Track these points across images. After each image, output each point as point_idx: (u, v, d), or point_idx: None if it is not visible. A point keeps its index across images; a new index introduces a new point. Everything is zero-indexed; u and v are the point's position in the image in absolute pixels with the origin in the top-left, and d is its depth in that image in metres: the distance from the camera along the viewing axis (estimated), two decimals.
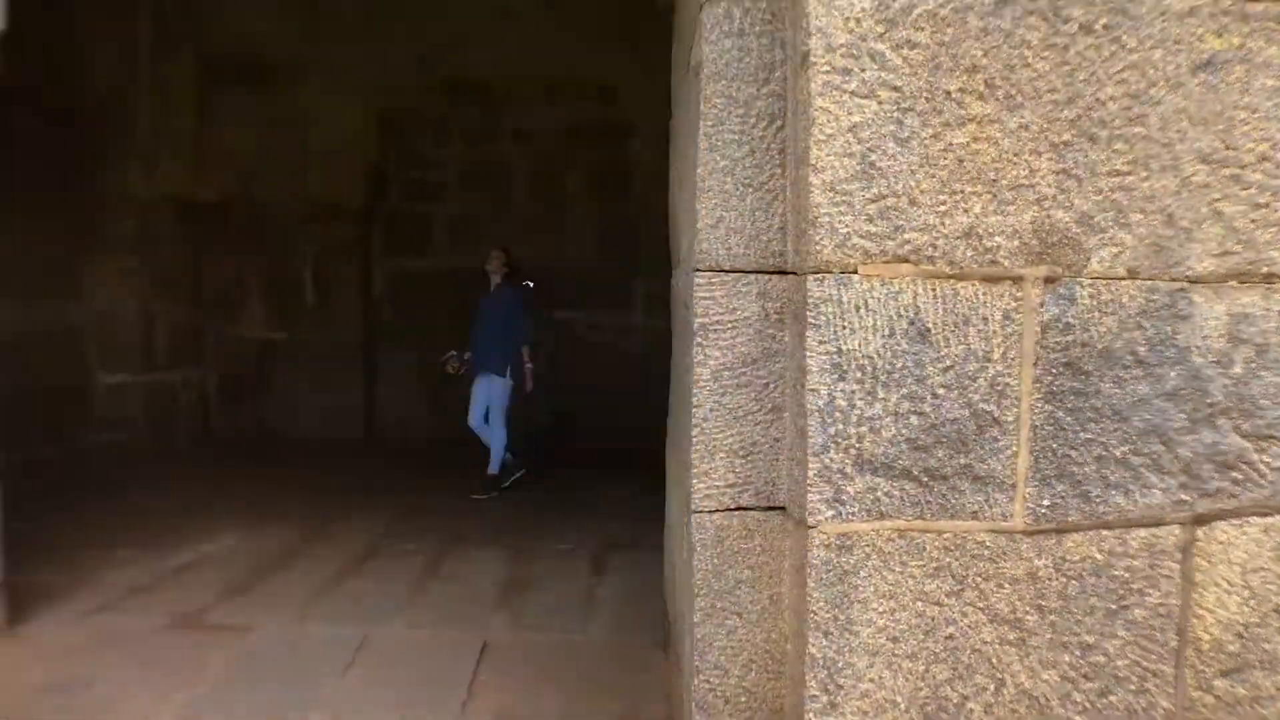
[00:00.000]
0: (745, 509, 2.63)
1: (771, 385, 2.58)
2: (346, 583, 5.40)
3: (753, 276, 2.58)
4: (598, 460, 9.46)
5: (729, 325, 2.61)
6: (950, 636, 2.37)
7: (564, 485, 8.35)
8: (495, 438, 7.92)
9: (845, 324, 2.30)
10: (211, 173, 10.00)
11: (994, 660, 2.38)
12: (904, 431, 2.32)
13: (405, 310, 10.65)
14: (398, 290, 10.67)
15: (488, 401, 7.92)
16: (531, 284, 10.32)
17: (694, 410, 2.65)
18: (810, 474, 2.31)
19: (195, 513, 6.97)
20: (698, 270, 2.63)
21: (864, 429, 2.32)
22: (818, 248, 2.29)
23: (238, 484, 8.12)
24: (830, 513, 2.32)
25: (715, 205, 2.61)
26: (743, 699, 2.64)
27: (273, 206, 10.27)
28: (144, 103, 9.11)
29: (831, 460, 2.31)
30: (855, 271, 2.30)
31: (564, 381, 10.56)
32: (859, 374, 2.31)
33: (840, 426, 2.31)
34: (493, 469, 7.91)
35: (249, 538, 6.34)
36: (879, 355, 2.31)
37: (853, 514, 2.32)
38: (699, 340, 2.63)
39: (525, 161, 10.71)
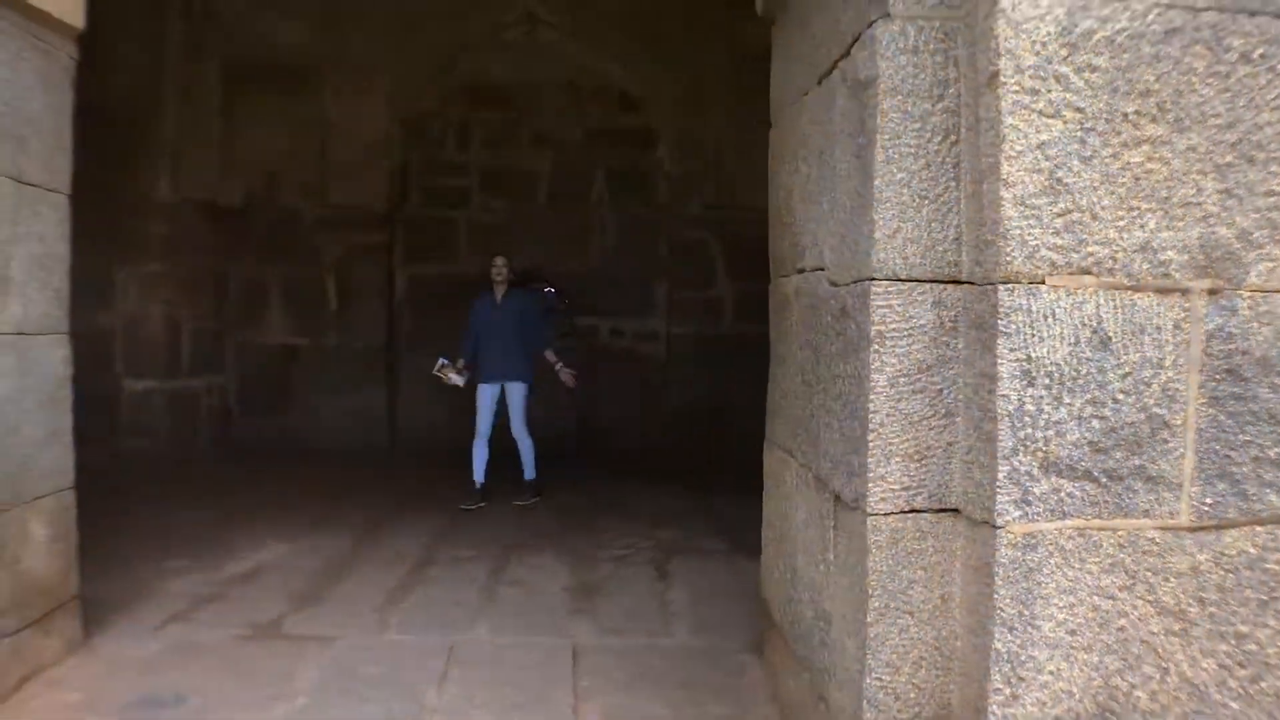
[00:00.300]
0: (919, 511, 2.70)
1: (945, 391, 2.65)
2: (415, 590, 5.42)
3: (928, 286, 2.65)
4: (622, 465, 9.53)
5: (905, 333, 2.67)
6: (1122, 629, 2.46)
7: (599, 491, 8.37)
8: (525, 444, 7.84)
9: (1034, 332, 2.38)
10: (235, 177, 9.99)
11: (1160, 650, 2.47)
12: (1086, 435, 2.41)
13: (426, 316, 10.66)
14: (419, 296, 10.68)
15: (496, 410, 7.78)
16: (553, 289, 10.40)
17: (870, 416, 2.70)
18: (1000, 476, 2.39)
19: (236, 521, 6.98)
20: (874, 280, 2.69)
21: (1050, 433, 2.39)
22: (1007, 259, 2.37)
23: (270, 491, 8.13)
24: (1017, 513, 2.40)
25: (892, 216, 2.67)
26: (911, 694, 2.72)
27: (295, 211, 10.28)
28: (171, 105, 9.11)
29: (1020, 463, 2.39)
30: (1043, 282, 2.38)
31: (586, 388, 10.59)
32: (1046, 380, 2.39)
33: (1029, 430, 2.39)
34: (530, 474, 7.89)
35: (300, 546, 6.35)
36: (1065, 362, 2.39)
37: (1038, 514, 2.40)
38: (875, 348, 2.68)
39: (547, 167, 10.76)
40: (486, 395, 7.72)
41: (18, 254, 3.86)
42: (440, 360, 7.64)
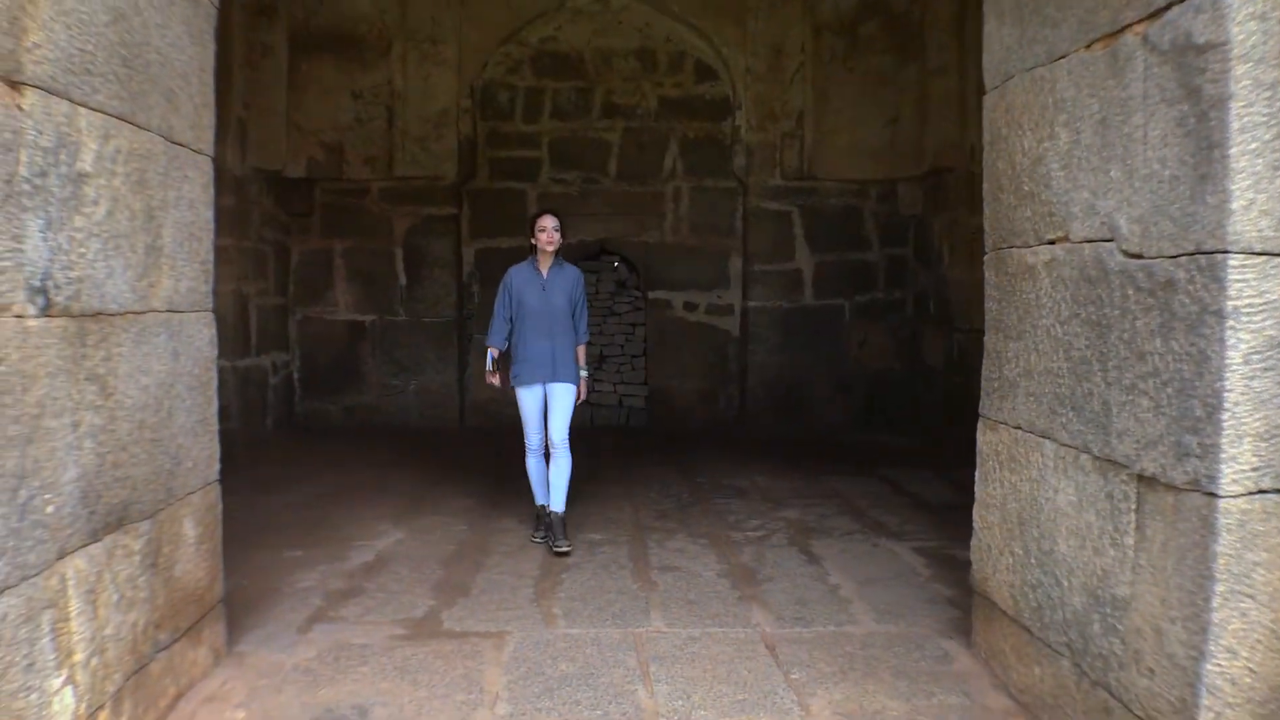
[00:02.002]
0: (1265, 492, 2.55)
1: None
2: (562, 578, 5.13)
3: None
4: (698, 441, 9.28)
5: (1259, 309, 2.50)
6: None
7: (688, 467, 8.09)
8: (564, 462, 5.82)
9: None
10: (300, 148, 9.63)
11: None
12: None
13: (494, 292, 10.28)
14: (487, 271, 10.34)
15: (544, 415, 5.89)
16: (617, 263, 10.10)
17: (1225, 395, 2.51)
18: None
19: (333, 505, 6.71)
20: (1228, 253, 2.50)
21: None
22: None
23: (353, 472, 7.85)
24: None
25: (1247, 188, 2.49)
26: (1246, 679, 2.57)
27: (362, 183, 9.93)
28: (238, 73, 8.71)
29: None
30: None
31: (658, 362, 10.34)
32: None
33: None
34: (560, 506, 5.79)
35: (414, 531, 6.07)
36: None
37: None
38: (1230, 324, 2.50)
39: (619, 137, 10.42)
40: (531, 402, 5.85)
41: (168, 221, 3.49)
42: (490, 354, 5.98)
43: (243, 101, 8.89)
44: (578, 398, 5.90)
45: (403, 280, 10.06)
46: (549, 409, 5.85)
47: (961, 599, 4.70)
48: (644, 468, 7.93)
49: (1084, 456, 3.22)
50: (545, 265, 5.87)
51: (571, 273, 5.95)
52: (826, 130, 9.96)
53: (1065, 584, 3.33)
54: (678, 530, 6.08)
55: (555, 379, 5.81)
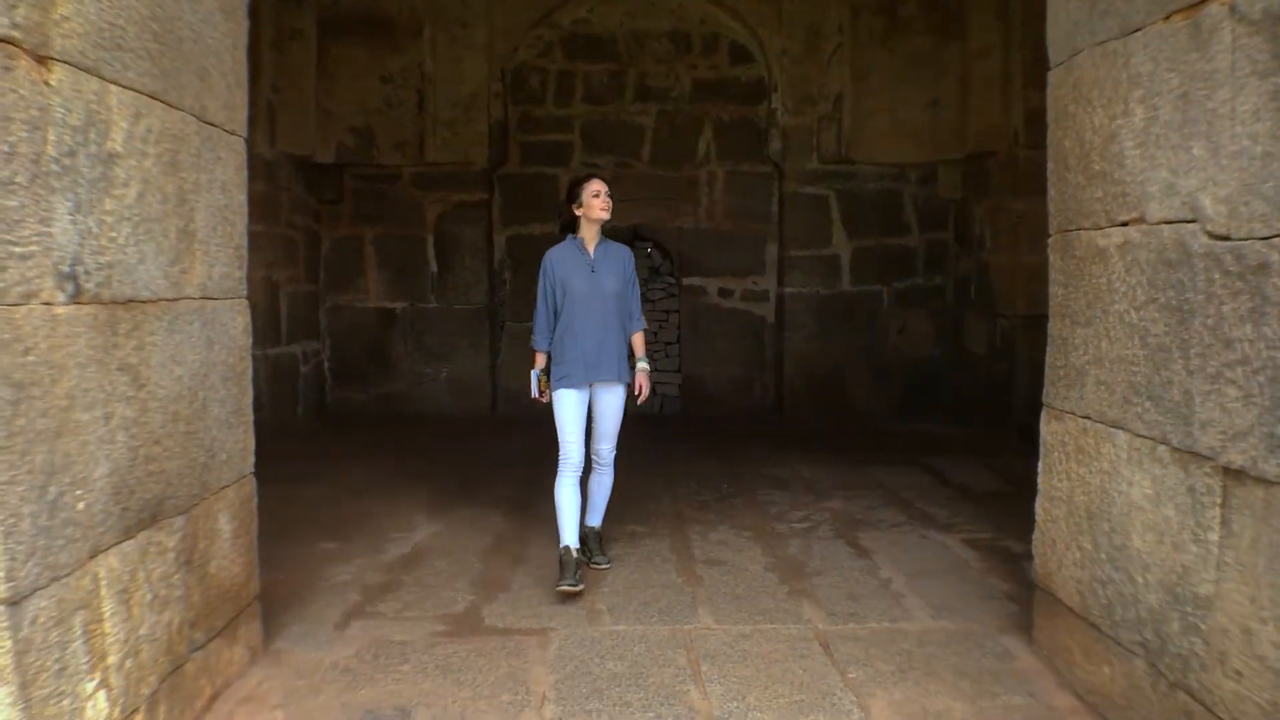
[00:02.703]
0: None
1: None
2: (604, 573, 4.98)
3: None
4: (735, 429, 9.13)
5: None
6: None
7: (728, 456, 7.94)
8: (607, 476, 5.09)
9: None
10: (330, 133, 9.51)
11: None
12: None
13: (528, 278, 10.17)
14: (519, 258, 10.21)
15: (583, 422, 4.91)
16: (650, 248, 9.93)
17: None
18: None
19: (368, 496, 6.60)
20: None
21: None
22: None
23: (386, 462, 7.74)
24: None
25: None
26: None
27: (392, 169, 9.80)
28: (267, 57, 8.59)
29: None
30: None
31: (691, 350, 10.19)
32: None
33: None
34: (598, 519, 5.23)
35: (450, 523, 5.94)
36: None
37: None
38: None
39: (652, 121, 10.24)
40: (573, 408, 4.83)
41: (201, 205, 3.36)
42: (535, 371, 4.99)
43: (272, 86, 8.79)
44: (639, 395, 4.97)
45: (434, 267, 9.93)
46: (594, 415, 4.92)
47: (1018, 593, 4.56)
48: (681, 458, 7.78)
49: (1162, 448, 3.05)
50: (592, 242, 4.87)
51: (621, 250, 5.01)
52: (865, 113, 9.74)
53: (1140, 581, 3.18)
54: (720, 522, 5.93)
55: (605, 378, 4.84)
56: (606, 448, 5.00)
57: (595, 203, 4.81)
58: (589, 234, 4.90)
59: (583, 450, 4.83)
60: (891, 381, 10.03)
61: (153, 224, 2.95)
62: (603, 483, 5.09)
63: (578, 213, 4.89)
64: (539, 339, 4.98)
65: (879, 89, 9.70)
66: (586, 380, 4.84)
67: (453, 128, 9.71)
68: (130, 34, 2.80)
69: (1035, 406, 8.51)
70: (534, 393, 4.96)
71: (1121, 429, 3.30)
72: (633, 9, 10.12)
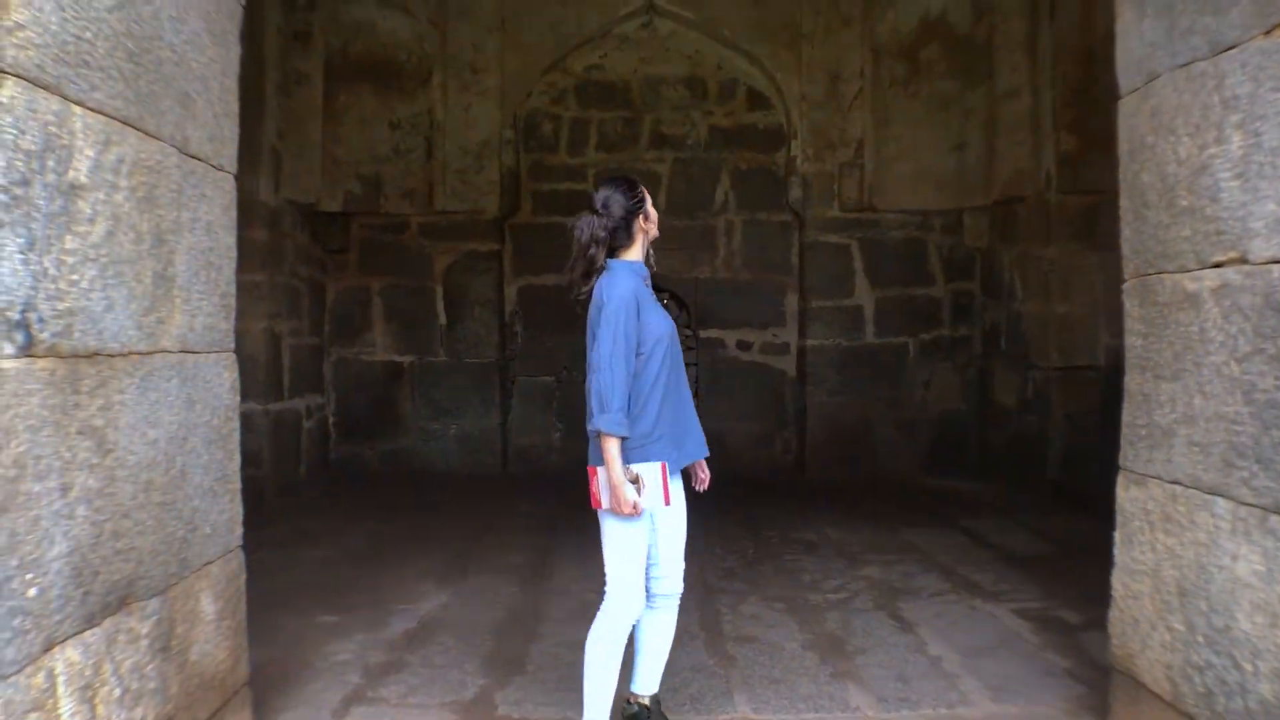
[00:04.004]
0: None
1: None
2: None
3: None
4: (757, 488, 8.71)
5: None
6: None
7: (749, 517, 7.53)
8: (672, 615, 3.56)
9: None
10: (336, 180, 9.21)
11: None
12: None
13: (540, 331, 9.86)
14: (531, 309, 9.87)
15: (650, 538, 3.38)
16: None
17: None
18: None
19: (372, 561, 6.22)
20: None
21: None
22: None
23: (392, 523, 7.36)
24: None
25: None
26: None
27: (400, 218, 9.50)
28: (272, 101, 8.31)
29: None
30: None
31: (710, 405, 9.81)
32: None
33: None
34: (656, 684, 3.60)
35: (462, 593, 5.54)
36: None
37: None
38: None
39: (667, 169, 9.95)
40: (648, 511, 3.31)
41: (181, 247, 2.99)
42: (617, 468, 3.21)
43: (277, 131, 8.50)
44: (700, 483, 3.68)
45: (443, 319, 9.58)
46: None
47: (1081, 671, 4.19)
48: (702, 518, 7.25)
49: (1275, 518, 2.68)
50: (647, 278, 3.52)
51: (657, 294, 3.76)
52: (887, 159, 9.43)
53: (1248, 668, 2.80)
54: (749, 592, 5.51)
55: (700, 454, 3.56)
56: (677, 569, 3.49)
57: (656, 217, 3.58)
58: (645, 269, 3.54)
59: (642, 572, 3.38)
60: (917, 436, 9.63)
61: (123, 266, 2.60)
62: (666, 626, 3.53)
63: (644, 227, 3.50)
64: (615, 414, 3.16)
65: (901, 134, 9.40)
66: (680, 466, 3.40)
67: (463, 176, 9.41)
68: (100, 50, 2.46)
69: (1070, 462, 8.28)
70: (627, 499, 3.16)
71: (1221, 496, 2.92)
72: (647, 55, 9.86)
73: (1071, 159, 8.09)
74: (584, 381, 3.38)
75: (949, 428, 9.63)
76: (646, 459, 3.25)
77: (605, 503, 3.25)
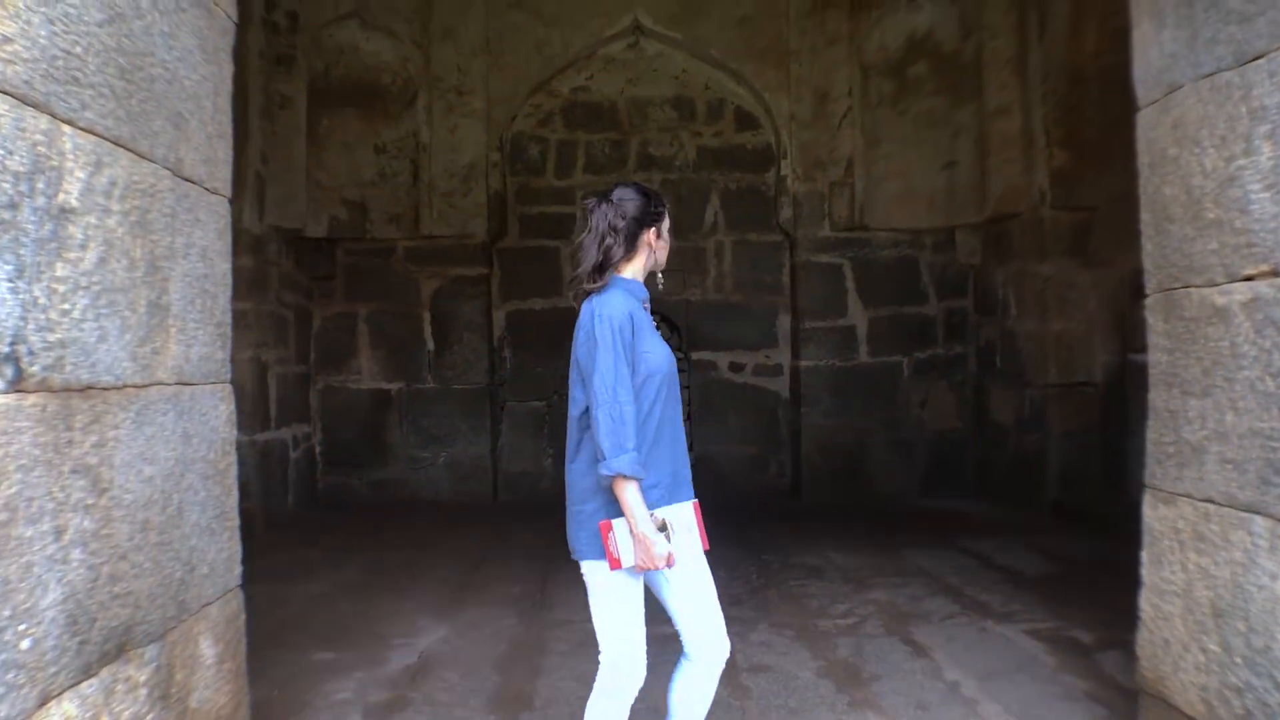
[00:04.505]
0: None
1: None
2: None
3: None
4: (750, 511, 8.58)
5: None
6: None
7: (748, 542, 7.41)
8: (716, 669, 2.98)
9: None
10: (321, 206, 9.08)
11: None
12: None
13: (529, 356, 9.73)
14: (520, 334, 9.76)
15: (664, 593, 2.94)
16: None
17: None
18: None
19: (366, 594, 6.06)
20: None
21: None
22: None
23: (384, 554, 7.19)
24: None
25: None
26: None
27: (387, 243, 9.37)
28: (255, 126, 8.18)
29: None
30: None
31: (703, 427, 9.71)
32: None
33: None
34: None
35: (458, 626, 5.38)
36: None
37: None
38: None
39: (657, 190, 9.81)
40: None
41: (176, 274, 2.86)
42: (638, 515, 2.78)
43: (260, 156, 8.36)
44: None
45: (431, 345, 9.45)
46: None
47: (1102, 693, 4.10)
48: (719, 547, 7.21)
49: None
50: (646, 303, 3.05)
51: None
52: (877, 177, 9.37)
53: None
54: (757, 620, 5.37)
55: (688, 496, 3.01)
56: (705, 626, 2.93)
57: (669, 243, 3.14)
58: (649, 279, 3.14)
59: (642, 627, 2.93)
60: (914, 457, 9.54)
61: (117, 295, 2.47)
62: (705, 683, 2.97)
63: (652, 245, 3.05)
64: (626, 452, 2.74)
65: (891, 153, 9.34)
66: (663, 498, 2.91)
67: (449, 199, 9.30)
68: (90, 66, 2.34)
69: (1070, 480, 8.19)
70: (660, 553, 2.75)
71: (1259, 514, 2.83)
72: (634, 75, 9.80)
73: (1064, 175, 8.04)
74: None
75: (945, 447, 9.54)
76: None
77: (629, 560, 2.77)
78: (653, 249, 3.04)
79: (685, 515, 2.93)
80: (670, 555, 2.78)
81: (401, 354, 9.44)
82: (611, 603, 2.89)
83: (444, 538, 7.78)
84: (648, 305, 3.01)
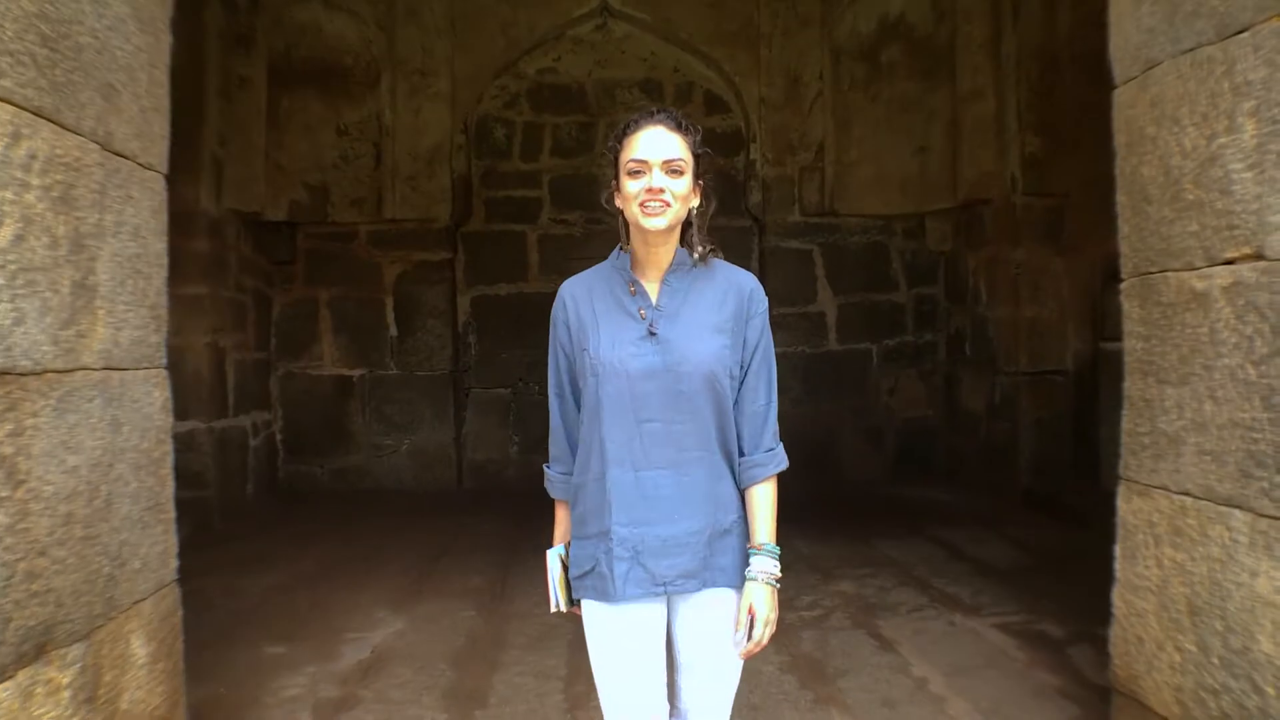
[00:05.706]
0: None
1: None
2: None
3: None
4: None
5: None
6: None
7: None
8: None
9: None
10: (282, 189, 8.86)
11: None
12: None
13: (495, 342, 9.57)
14: (486, 320, 9.59)
15: (653, 667, 2.27)
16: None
17: None
18: None
19: (322, 586, 5.91)
20: None
21: None
22: None
23: (343, 544, 7.03)
24: None
25: None
26: None
27: (348, 227, 9.17)
28: (213, 106, 7.96)
29: None
30: None
31: None
32: None
33: None
34: None
35: (415, 619, 5.24)
36: None
37: None
38: None
39: None
40: (617, 640, 2.27)
41: (105, 253, 2.70)
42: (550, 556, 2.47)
43: (218, 138, 8.14)
44: (749, 638, 2.28)
45: (394, 331, 9.27)
46: (676, 649, 2.35)
47: (1073, 690, 4.03)
48: None
49: None
50: (655, 265, 2.33)
51: (729, 281, 2.50)
52: (849, 163, 9.25)
53: (1271, 692, 2.61)
54: None
55: (685, 588, 2.28)
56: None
57: (645, 196, 2.19)
58: (650, 254, 2.31)
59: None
60: (884, 445, 9.46)
61: (36, 274, 2.31)
62: None
63: (618, 205, 2.30)
64: (554, 475, 2.45)
65: (863, 137, 9.23)
66: (650, 588, 2.24)
67: (413, 183, 9.11)
68: (8, 32, 2.18)
69: (1041, 469, 8.13)
70: (553, 602, 2.41)
71: (1238, 508, 2.73)
72: (602, 58, 9.63)
73: (1037, 161, 7.97)
74: (543, 396, 2.57)
75: (916, 435, 9.47)
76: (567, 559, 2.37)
77: (557, 605, 2.40)
78: (627, 211, 2.25)
79: (697, 601, 2.31)
80: (558, 609, 2.38)
81: (364, 340, 9.26)
82: (599, 662, 2.33)
83: (406, 527, 7.62)
84: (630, 281, 2.31)
